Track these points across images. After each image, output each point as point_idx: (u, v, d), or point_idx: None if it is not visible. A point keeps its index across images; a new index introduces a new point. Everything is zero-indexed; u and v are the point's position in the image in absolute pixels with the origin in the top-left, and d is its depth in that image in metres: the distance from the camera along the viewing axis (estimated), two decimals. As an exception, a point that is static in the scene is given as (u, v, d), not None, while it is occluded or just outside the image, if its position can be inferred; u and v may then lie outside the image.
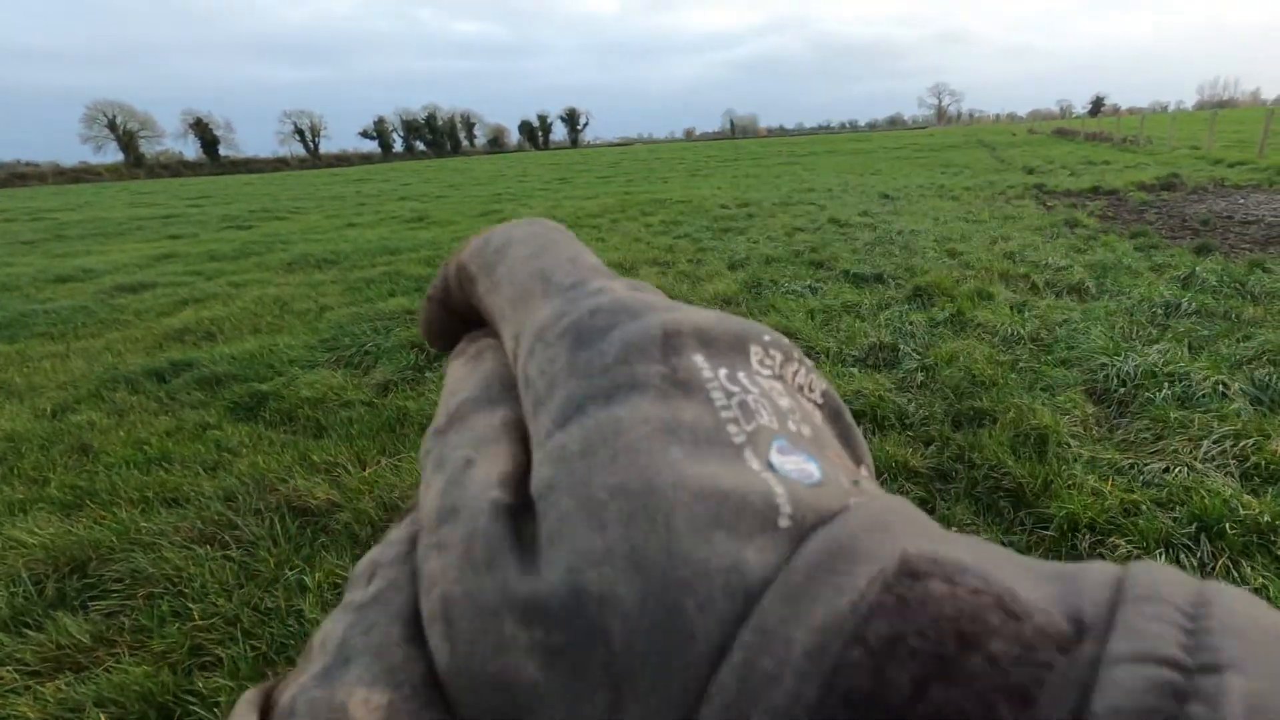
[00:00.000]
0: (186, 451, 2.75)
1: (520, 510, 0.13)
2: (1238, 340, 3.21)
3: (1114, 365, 2.91)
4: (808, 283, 4.84)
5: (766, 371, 0.15)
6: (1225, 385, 2.67)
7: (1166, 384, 2.73)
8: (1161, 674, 0.09)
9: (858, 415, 2.69)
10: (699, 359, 0.14)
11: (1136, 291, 4.08)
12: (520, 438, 0.15)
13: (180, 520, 2.20)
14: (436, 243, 8.21)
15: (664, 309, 0.15)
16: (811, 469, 0.13)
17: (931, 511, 2.08)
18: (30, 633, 1.73)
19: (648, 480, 0.12)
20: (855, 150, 26.22)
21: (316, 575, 1.88)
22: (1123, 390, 2.75)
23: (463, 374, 0.18)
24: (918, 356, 3.29)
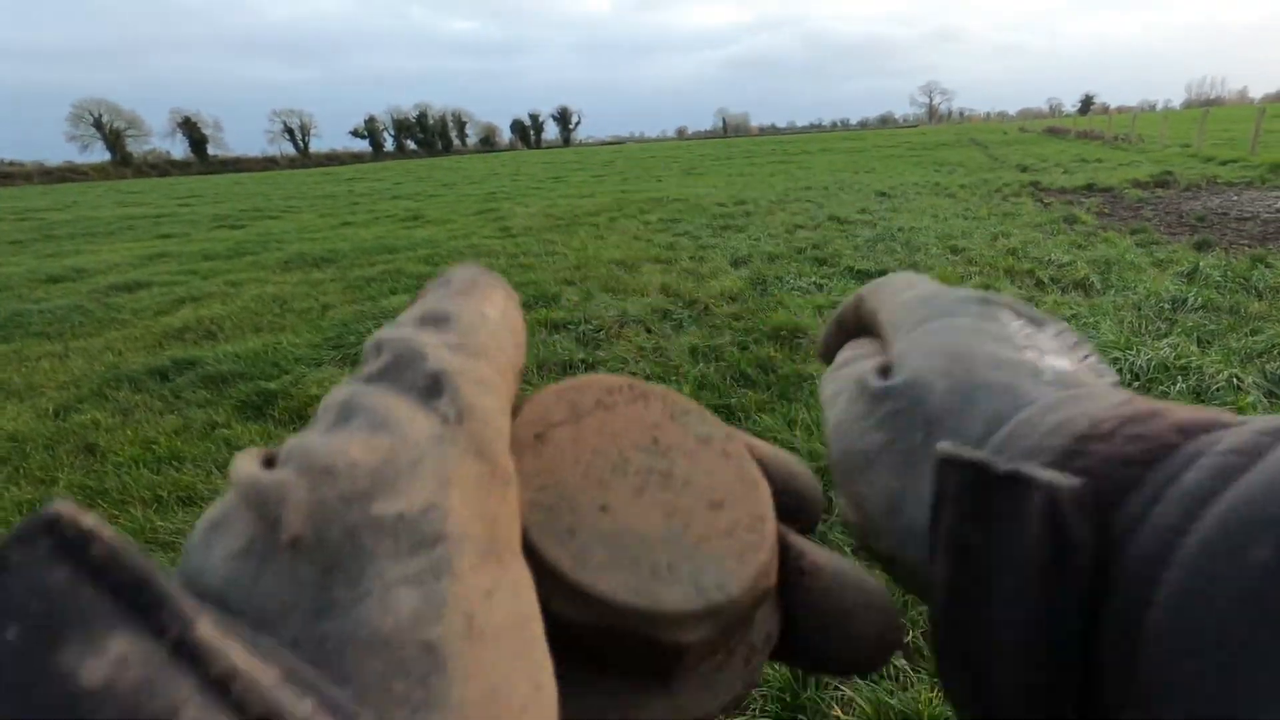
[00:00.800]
0: (196, 450, 2.72)
1: (882, 373, 0.21)
2: (1247, 334, 3.23)
3: (1126, 359, 2.92)
4: (813, 279, 4.84)
5: (1052, 339, 0.21)
6: (1239, 379, 2.68)
7: (1180, 377, 2.74)
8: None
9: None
10: (1005, 313, 0.21)
11: (1142, 286, 4.10)
12: (879, 357, 0.23)
13: (197, 519, 2.16)
14: (434, 241, 8.17)
15: (984, 293, 0.23)
16: (1069, 367, 0.19)
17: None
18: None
19: (960, 343, 0.19)
20: (848, 148, 26.29)
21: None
22: (1136, 384, 2.76)
23: (848, 353, 0.26)
24: (929, 352, 3.29)
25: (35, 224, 14.62)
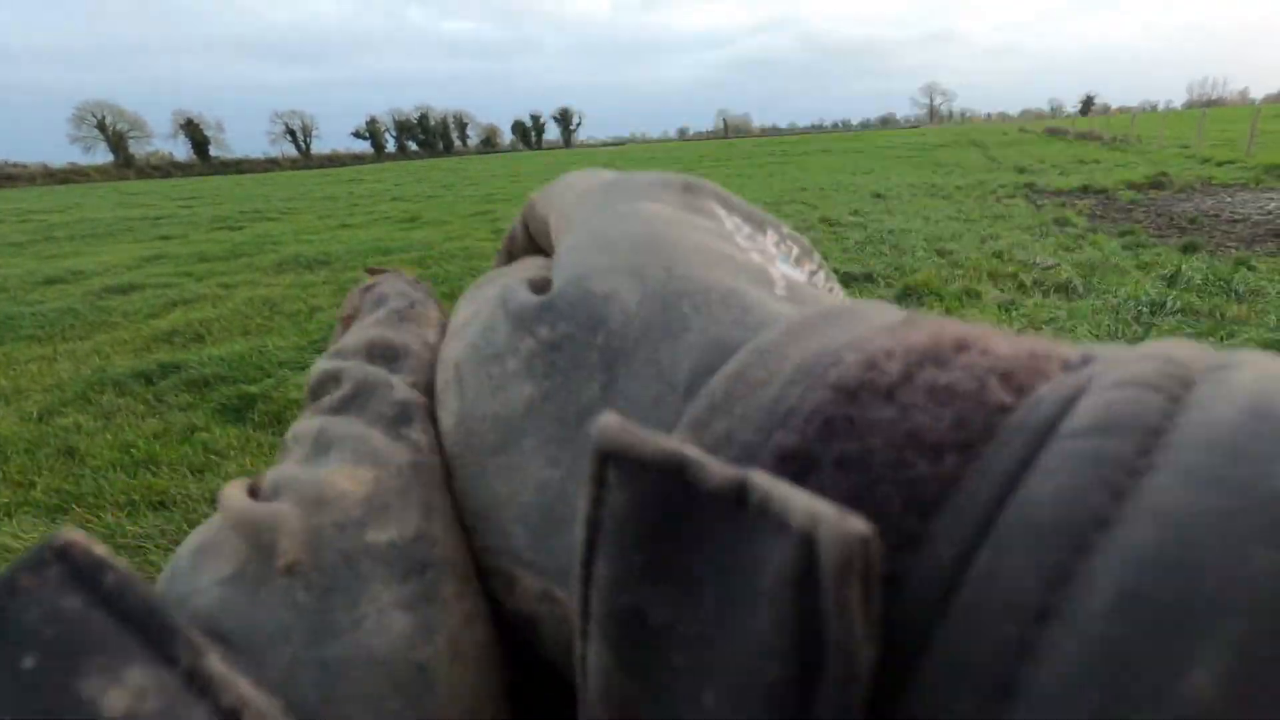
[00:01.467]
0: (174, 454, 2.75)
1: (536, 288, 0.15)
2: (1221, 338, 3.25)
3: (1099, 363, 2.94)
4: (798, 282, 4.85)
5: (775, 245, 0.16)
6: (1208, 383, 2.69)
7: (1151, 382, 2.76)
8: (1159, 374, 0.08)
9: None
10: (717, 207, 0.16)
11: (1123, 290, 4.11)
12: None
13: (167, 524, 2.19)
14: (429, 243, 8.20)
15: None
16: (802, 276, 0.14)
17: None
18: (13, 637, 1.73)
19: (655, 233, 0.13)
20: (848, 150, 26.30)
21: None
22: (1108, 388, 2.77)
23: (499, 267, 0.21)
24: (906, 355, 3.31)
25: (36, 225, 14.69)
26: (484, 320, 0.14)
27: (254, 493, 0.13)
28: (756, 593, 0.08)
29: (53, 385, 3.76)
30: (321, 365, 0.15)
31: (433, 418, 0.14)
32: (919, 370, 0.10)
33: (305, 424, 0.14)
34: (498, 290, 0.15)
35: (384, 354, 0.15)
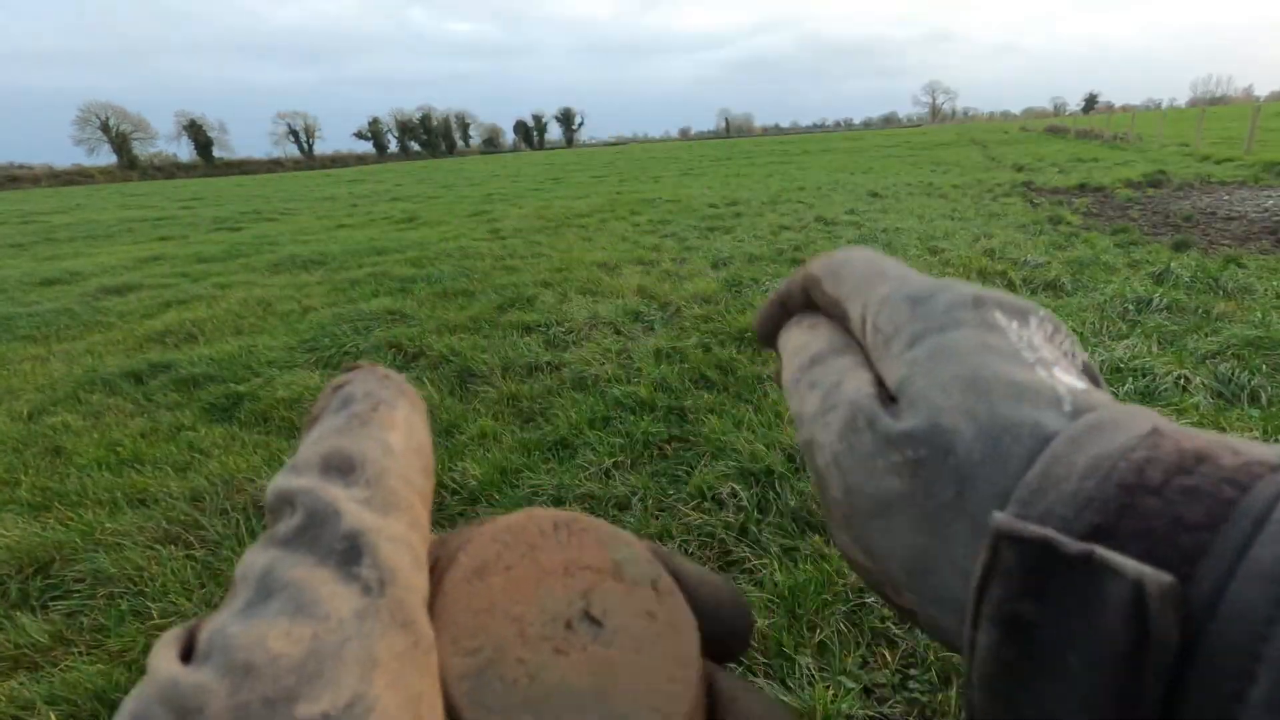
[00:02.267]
0: (159, 453, 2.77)
1: (883, 400, 0.19)
2: (1205, 334, 3.24)
3: (1080, 361, 2.94)
4: (788, 281, 4.85)
5: (1041, 335, 0.20)
6: (1187, 379, 2.69)
7: (1131, 378, 2.76)
8: None
9: (825, 412, 2.71)
10: (999, 314, 0.20)
11: (1110, 288, 4.11)
12: (868, 369, 0.21)
13: (146, 520, 2.21)
14: (424, 243, 8.22)
15: (968, 286, 0.21)
16: (1079, 384, 0.18)
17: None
18: (-11, 632, 1.75)
19: (975, 372, 0.18)
20: (848, 149, 26.26)
21: (277, 573, 1.90)
22: (1088, 385, 2.78)
23: (805, 338, 0.24)
24: (890, 353, 3.31)
25: (38, 227, 14.78)
26: (847, 422, 0.19)
27: (190, 647, 0.13)
28: (1105, 608, 0.13)
29: (45, 385, 3.79)
30: (278, 483, 0.15)
31: (396, 539, 0.14)
32: (1174, 477, 0.14)
33: (255, 557, 0.14)
34: (854, 400, 0.20)
35: (339, 466, 0.15)
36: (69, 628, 1.77)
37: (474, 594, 0.16)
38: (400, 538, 0.14)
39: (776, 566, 1.83)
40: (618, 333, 3.97)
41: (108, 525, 2.17)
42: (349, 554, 0.13)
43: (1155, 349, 3.10)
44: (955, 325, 0.19)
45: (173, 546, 2.08)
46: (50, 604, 1.88)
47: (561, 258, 6.41)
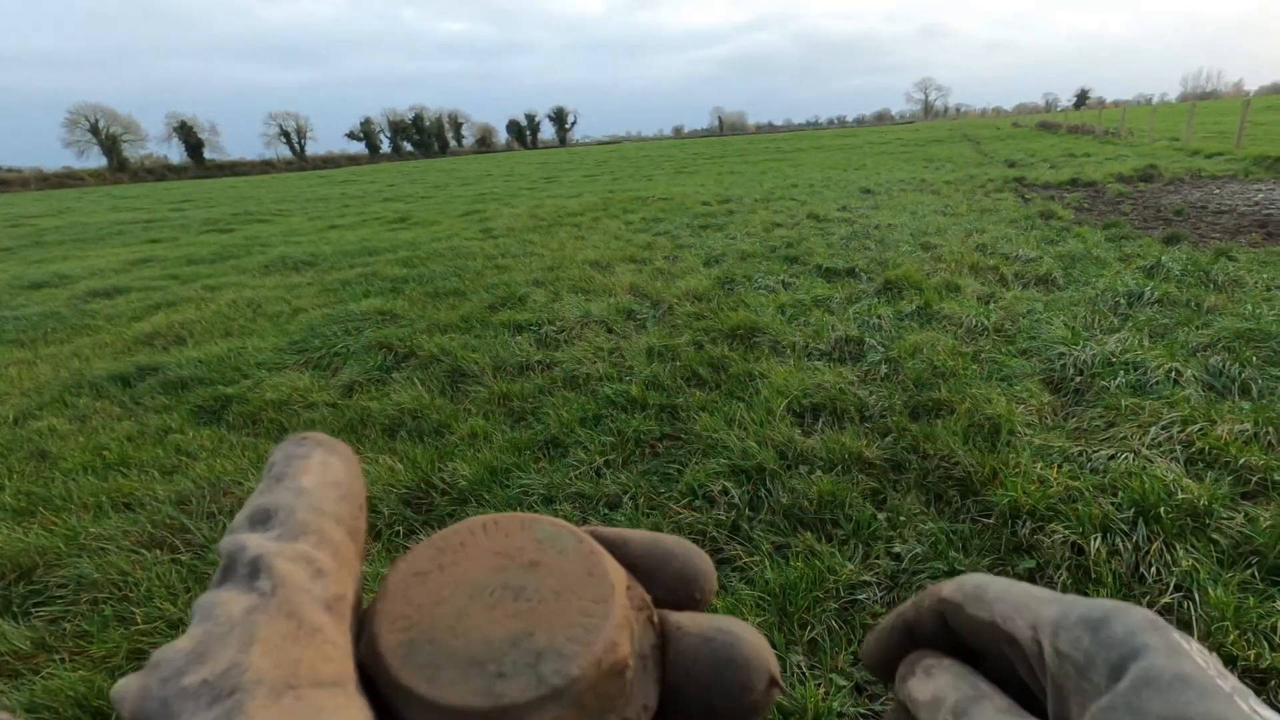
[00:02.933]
0: (145, 456, 2.74)
1: None
2: (1196, 327, 3.25)
3: (1072, 354, 2.94)
4: (780, 278, 4.85)
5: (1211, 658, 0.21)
6: (1179, 372, 2.69)
7: (1122, 372, 2.76)
8: None
9: (817, 409, 2.71)
10: (1176, 636, 0.20)
11: (1101, 281, 4.11)
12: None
13: (130, 525, 2.18)
14: (416, 243, 8.19)
15: (1137, 609, 0.20)
16: (1273, 714, 0.18)
17: (882, 502, 2.10)
18: (-31, 640, 1.72)
19: (1182, 713, 0.17)
20: (841, 146, 26.28)
21: (264, 577, 1.88)
22: (1079, 379, 2.77)
23: (946, 684, 0.23)
24: (882, 349, 3.31)
25: (27, 230, 14.65)
26: None
27: None
28: None
29: (30, 389, 3.75)
30: (217, 545, 0.19)
31: (296, 556, 0.17)
32: None
33: (196, 604, 0.16)
34: None
35: (259, 518, 0.17)
36: (51, 634, 1.74)
37: (410, 589, 0.18)
38: (301, 555, 0.17)
39: (767, 564, 1.82)
40: (609, 331, 3.95)
41: (92, 530, 2.14)
42: (251, 574, 0.16)
43: (1147, 342, 3.10)
44: (1143, 650, 0.19)
45: (158, 551, 2.05)
46: (33, 610, 1.85)
47: (554, 256, 6.39)
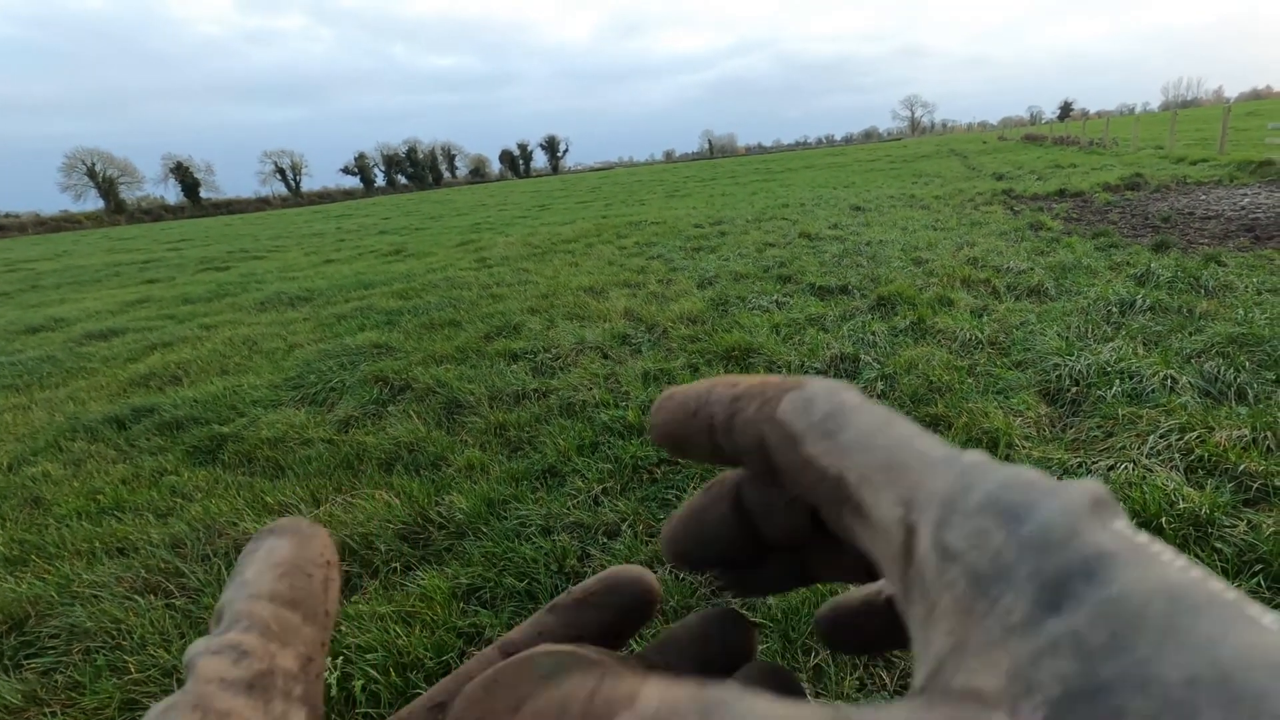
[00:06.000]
0: (140, 499, 2.71)
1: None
2: (1189, 334, 3.25)
3: (1066, 365, 2.94)
4: (774, 297, 4.87)
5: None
6: (1174, 379, 2.69)
7: (1118, 381, 2.76)
8: None
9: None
10: (1130, 525, 0.13)
11: (1093, 291, 4.13)
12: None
13: (124, 570, 2.16)
14: (411, 275, 8.22)
15: (1063, 485, 0.13)
16: None
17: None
18: (-41, 695, 1.69)
19: (1212, 661, 0.10)
20: (830, 164, 26.56)
21: (259, 619, 1.85)
22: (1075, 389, 2.77)
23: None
24: (878, 365, 3.31)
25: (24, 275, 14.71)
26: None
27: None
28: None
29: (25, 434, 3.73)
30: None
31: (219, 650, 0.18)
32: None
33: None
34: None
35: (215, 620, 0.19)
36: (43, 686, 1.71)
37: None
38: (226, 644, 0.17)
39: (769, 589, 1.80)
40: (605, 357, 3.95)
41: (85, 577, 2.12)
42: (184, 681, 0.17)
43: (1141, 350, 3.10)
44: (1102, 558, 0.12)
45: (152, 596, 2.02)
46: (24, 662, 1.82)
47: (548, 284, 6.41)
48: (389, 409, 3.46)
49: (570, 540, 2.12)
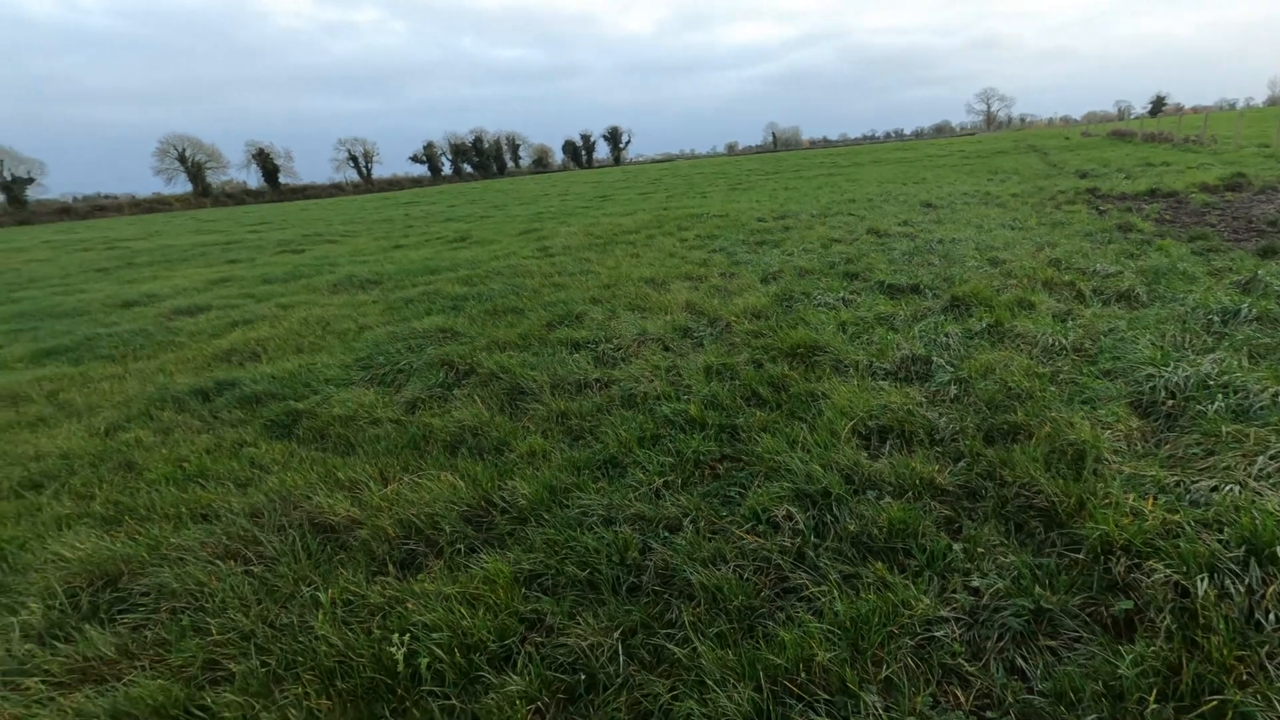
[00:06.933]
0: (222, 469, 2.85)
1: None
2: (1303, 348, 2.99)
3: (1162, 376, 2.75)
4: (841, 295, 4.74)
5: None
6: (1286, 397, 2.48)
7: (1220, 395, 2.56)
8: None
9: (884, 431, 2.61)
10: None
11: (1191, 298, 3.85)
12: None
13: (207, 536, 2.27)
14: (476, 262, 8.38)
15: None
16: None
17: (957, 531, 1.99)
18: (60, 645, 1.81)
19: None
20: (899, 159, 25.72)
21: (331, 592, 1.91)
22: (1171, 403, 2.59)
23: None
24: (951, 369, 3.17)
25: (121, 253, 15.72)
26: None
27: None
28: None
29: (120, 402, 3.97)
30: None
31: None
32: None
33: None
34: None
35: None
36: (134, 641, 1.81)
37: None
38: None
39: (836, 594, 1.75)
40: (666, 349, 3.92)
41: (172, 540, 2.23)
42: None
43: (1246, 363, 2.88)
44: None
45: (232, 562, 2.12)
46: (118, 617, 1.93)
47: (610, 274, 6.42)
48: (454, 392, 3.53)
49: (632, 532, 2.11)
